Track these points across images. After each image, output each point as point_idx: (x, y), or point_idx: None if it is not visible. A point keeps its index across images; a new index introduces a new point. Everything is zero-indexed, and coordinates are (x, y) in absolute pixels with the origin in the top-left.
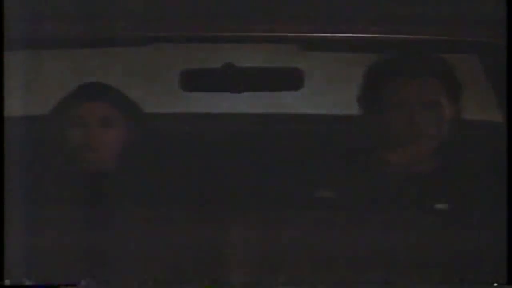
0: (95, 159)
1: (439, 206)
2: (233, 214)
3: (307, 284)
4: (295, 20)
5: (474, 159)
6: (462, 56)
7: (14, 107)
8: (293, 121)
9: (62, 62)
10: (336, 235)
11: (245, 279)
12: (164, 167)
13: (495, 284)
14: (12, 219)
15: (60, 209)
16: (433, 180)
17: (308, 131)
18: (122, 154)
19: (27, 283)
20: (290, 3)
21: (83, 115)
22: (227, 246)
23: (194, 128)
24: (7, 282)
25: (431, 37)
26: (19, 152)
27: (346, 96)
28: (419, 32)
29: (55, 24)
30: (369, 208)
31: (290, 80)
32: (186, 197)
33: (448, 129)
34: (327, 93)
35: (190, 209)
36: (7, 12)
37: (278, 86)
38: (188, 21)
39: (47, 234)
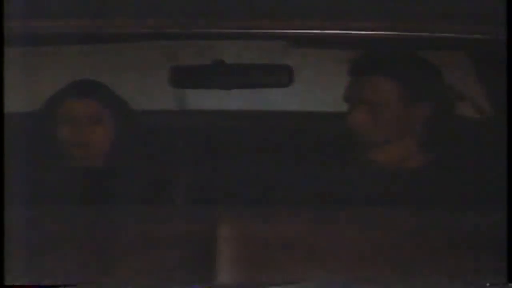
0: (85, 157)
1: (433, 203)
2: (224, 211)
3: (300, 283)
4: (285, 17)
5: (466, 156)
6: (455, 53)
7: (5, 104)
8: (282, 118)
9: (53, 59)
10: (327, 232)
11: (239, 279)
12: (154, 164)
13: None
14: (7, 218)
15: (51, 208)
16: (425, 177)
17: (297, 128)
18: (113, 151)
19: (27, 283)
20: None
21: (73, 112)
22: (221, 244)
23: (184, 125)
24: (7, 282)
25: (422, 34)
26: (12, 150)
27: (335, 93)
28: (411, 29)
29: (45, 21)
30: (359, 204)
31: (280, 77)
32: (177, 193)
33: (434, 126)
34: (316, 90)
35: (181, 206)
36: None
37: (268, 83)
38: (178, 17)
39: (42, 233)
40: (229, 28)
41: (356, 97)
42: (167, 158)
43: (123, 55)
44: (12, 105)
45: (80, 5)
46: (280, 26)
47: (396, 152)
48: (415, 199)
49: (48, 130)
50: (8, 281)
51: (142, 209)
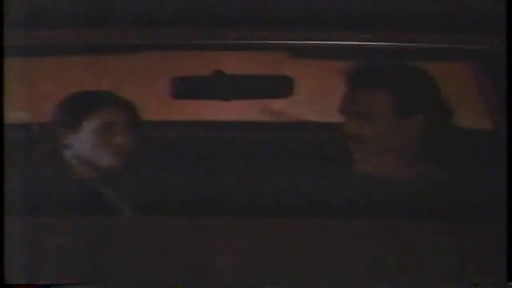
0: (92, 166)
1: (431, 208)
2: (223, 221)
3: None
4: (285, 28)
5: (463, 167)
6: (454, 64)
7: (8, 114)
8: (282, 128)
9: (51, 70)
10: (321, 242)
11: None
12: (156, 174)
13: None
14: (12, 221)
15: (60, 214)
16: (420, 188)
17: (297, 138)
18: (119, 160)
19: (27, 283)
20: (280, 10)
21: (84, 122)
22: (222, 252)
23: (183, 135)
24: (7, 282)
25: (422, 45)
26: (18, 158)
27: (334, 103)
28: (411, 39)
29: (46, 31)
30: (355, 215)
31: (280, 87)
32: (178, 203)
33: (430, 138)
34: (316, 100)
35: (183, 216)
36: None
37: (268, 94)
38: (178, 28)
39: (47, 237)
40: (229, 39)
41: (352, 108)
42: (167, 169)
43: (123, 65)
44: (15, 115)
45: (80, 15)
46: (280, 36)
47: (391, 164)
48: (411, 208)
49: (54, 139)
50: (8, 281)
51: (148, 216)
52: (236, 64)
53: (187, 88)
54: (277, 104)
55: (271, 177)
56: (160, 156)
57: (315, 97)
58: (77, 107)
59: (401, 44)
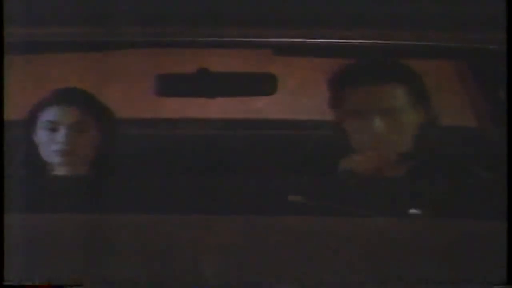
0: (69, 164)
1: (425, 207)
2: (207, 219)
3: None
4: (269, 25)
5: (456, 164)
6: (438, 62)
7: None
8: (265, 126)
9: (37, 67)
10: (309, 240)
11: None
12: (137, 172)
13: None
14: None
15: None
16: (416, 181)
17: (280, 136)
18: (97, 159)
19: (27, 283)
20: (264, 8)
21: (57, 120)
22: (207, 252)
23: (167, 133)
24: (7, 282)
25: (406, 42)
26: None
27: (318, 101)
28: (396, 37)
29: (29, 29)
30: (342, 213)
31: (263, 85)
32: (160, 201)
33: (416, 135)
34: (300, 98)
35: (165, 214)
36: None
37: (252, 91)
38: (162, 26)
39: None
40: (214, 37)
41: (339, 106)
42: (150, 167)
43: (107, 63)
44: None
45: (63, 13)
46: (264, 34)
47: (380, 162)
48: (403, 207)
49: (31, 137)
50: (8, 281)
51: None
52: (221, 61)
53: (171, 86)
54: (261, 102)
55: (255, 175)
56: (140, 154)
57: (299, 95)
58: (50, 105)
59: (388, 41)
